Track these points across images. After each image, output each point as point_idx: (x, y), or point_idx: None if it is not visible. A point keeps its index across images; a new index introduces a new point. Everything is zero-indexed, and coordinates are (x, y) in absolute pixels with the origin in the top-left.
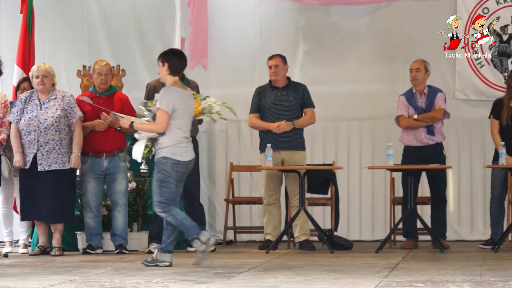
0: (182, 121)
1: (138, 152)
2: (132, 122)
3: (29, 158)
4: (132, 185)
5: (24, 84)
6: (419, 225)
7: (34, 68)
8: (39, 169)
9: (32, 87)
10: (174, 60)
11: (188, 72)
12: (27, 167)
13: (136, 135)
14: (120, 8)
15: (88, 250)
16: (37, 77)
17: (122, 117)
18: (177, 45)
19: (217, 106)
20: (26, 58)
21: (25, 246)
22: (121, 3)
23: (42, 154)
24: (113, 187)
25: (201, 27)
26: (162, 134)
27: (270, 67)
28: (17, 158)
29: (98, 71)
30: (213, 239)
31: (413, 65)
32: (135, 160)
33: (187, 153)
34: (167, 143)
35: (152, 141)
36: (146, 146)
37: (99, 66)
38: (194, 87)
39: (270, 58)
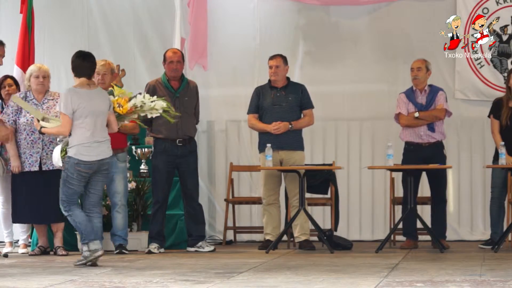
0: (85, 120)
1: (56, 157)
2: (41, 127)
3: (36, 158)
4: (132, 185)
5: (7, 81)
6: (419, 225)
7: (34, 68)
8: (43, 169)
9: (16, 85)
10: (77, 61)
11: (189, 72)
12: (36, 168)
13: (58, 140)
14: (120, 8)
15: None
16: (37, 77)
17: (38, 121)
18: (176, 45)
19: (152, 102)
20: (26, 58)
21: (25, 246)
22: (121, 3)
23: (47, 153)
24: (112, 188)
25: (200, 27)
26: (70, 135)
27: (270, 67)
28: (16, 163)
29: (96, 71)
30: (100, 252)
31: (414, 64)
32: (135, 160)
33: (92, 152)
34: (73, 143)
35: (67, 143)
36: (62, 150)
37: (97, 66)
38: (194, 87)
39: (271, 58)
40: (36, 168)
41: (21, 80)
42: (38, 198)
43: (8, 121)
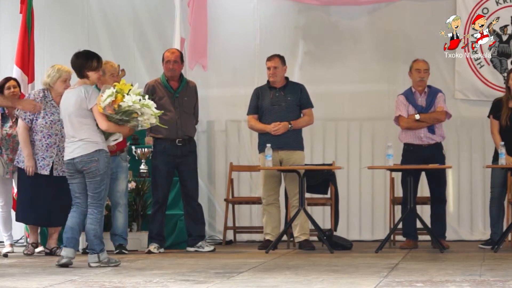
0: (64, 121)
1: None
2: None
3: (48, 162)
4: (132, 185)
5: (11, 82)
6: (418, 225)
7: (62, 70)
8: (54, 174)
9: (18, 85)
10: (71, 60)
11: (189, 73)
12: (47, 172)
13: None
14: (120, 8)
15: (87, 250)
16: (65, 80)
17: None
18: (176, 45)
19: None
20: (26, 58)
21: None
22: (121, 3)
23: (59, 159)
24: (115, 187)
25: (200, 27)
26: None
27: (268, 68)
28: (30, 164)
29: (112, 72)
30: (64, 260)
31: (422, 66)
32: (135, 160)
33: (66, 152)
34: None
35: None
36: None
37: (113, 68)
38: (193, 87)
39: (269, 59)
40: (46, 172)
41: (20, 80)
42: (43, 200)
43: (25, 118)
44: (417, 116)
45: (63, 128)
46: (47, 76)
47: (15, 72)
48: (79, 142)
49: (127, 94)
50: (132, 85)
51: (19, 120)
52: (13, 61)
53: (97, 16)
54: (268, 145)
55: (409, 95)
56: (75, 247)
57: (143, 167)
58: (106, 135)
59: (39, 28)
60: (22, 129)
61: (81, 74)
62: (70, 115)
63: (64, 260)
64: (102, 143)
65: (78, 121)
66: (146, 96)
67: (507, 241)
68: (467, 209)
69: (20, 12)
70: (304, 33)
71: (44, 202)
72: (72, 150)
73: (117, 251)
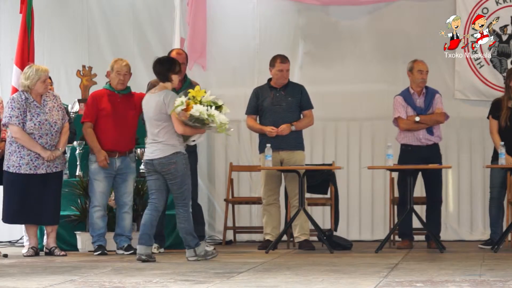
0: (146, 124)
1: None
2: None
3: (43, 161)
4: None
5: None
6: (414, 225)
7: (40, 71)
8: (47, 171)
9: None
10: (153, 65)
11: (188, 72)
12: (44, 171)
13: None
14: (120, 8)
15: (104, 252)
16: (45, 81)
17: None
18: (176, 45)
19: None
20: (25, 58)
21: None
22: (121, 3)
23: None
24: (123, 188)
25: (199, 27)
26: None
27: (281, 71)
28: (47, 153)
29: (117, 70)
30: (137, 257)
31: (424, 67)
32: (135, 160)
33: (149, 153)
34: None
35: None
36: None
37: (118, 66)
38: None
39: (283, 61)
40: (43, 171)
41: (20, 79)
42: (35, 198)
43: (19, 123)
44: (417, 118)
45: (51, 127)
46: (25, 79)
47: (15, 72)
48: (159, 145)
49: (199, 102)
50: (205, 92)
51: (12, 126)
52: (13, 61)
53: (97, 16)
54: (268, 145)
55: (407, 96)
56: (147, 243)
57: (143, 167)
58: (185, 136)
59: (39, 28)
60: (20, 132)
61: (166, 78)
62: (151, 118)
63: (137, 257)
64: (180, 145)
65: (158, 125)
66: (213, 107)
67: (507, 241)
68: (467, 209)
69: (20, 12)
70: (304, 33)
71: (37, 200)
72: (152, 151)
73: (131, 251)
